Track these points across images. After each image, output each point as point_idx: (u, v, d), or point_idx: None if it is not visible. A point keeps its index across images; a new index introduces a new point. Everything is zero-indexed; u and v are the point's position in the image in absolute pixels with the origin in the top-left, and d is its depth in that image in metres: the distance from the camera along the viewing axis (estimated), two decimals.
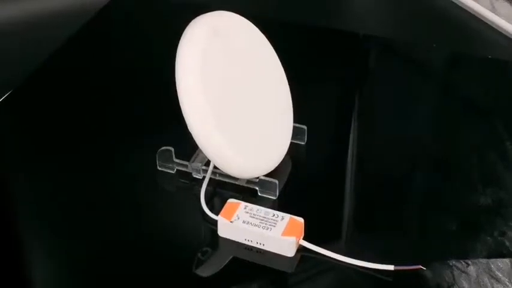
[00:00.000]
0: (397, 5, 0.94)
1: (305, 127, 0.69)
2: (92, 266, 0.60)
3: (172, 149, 0.66)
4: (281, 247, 0.60)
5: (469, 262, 0.60)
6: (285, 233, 0.59)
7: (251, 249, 0.61)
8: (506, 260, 0.60)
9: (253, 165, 0.64)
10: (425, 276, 0.58)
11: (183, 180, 0.67)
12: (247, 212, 0.61)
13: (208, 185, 0.65)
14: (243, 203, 0.62)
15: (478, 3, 0.89)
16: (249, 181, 0.65)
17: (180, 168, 0.67)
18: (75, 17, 0.85)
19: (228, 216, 0.61)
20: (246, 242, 0.61)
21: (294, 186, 0.67)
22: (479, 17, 0.89)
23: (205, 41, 0.61)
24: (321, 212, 0.65)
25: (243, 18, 0.65)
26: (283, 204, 0.65)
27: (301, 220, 0.60)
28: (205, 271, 0.60)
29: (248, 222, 0.60)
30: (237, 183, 0.65)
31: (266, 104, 0.66)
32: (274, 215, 0.61)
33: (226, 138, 0.61)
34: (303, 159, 0.70)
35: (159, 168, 0.67)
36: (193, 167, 0.66)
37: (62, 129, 0.73)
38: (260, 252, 0.60)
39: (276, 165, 0.66)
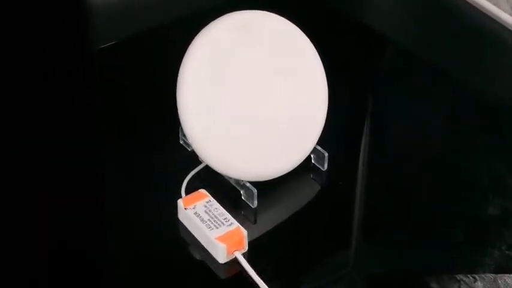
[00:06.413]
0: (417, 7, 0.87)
1: (326, 153, 0.67)
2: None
3: None
4: (214, 250, 0.60)
5: (477, 277, 0.58)
6: (219, 238, 0.59)
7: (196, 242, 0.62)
8: None
9: (236, 168, 0.63)
10: None
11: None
12: (205, 207, 0.62)
13: (213, 172, 0.66)
14: (208, 197, 0.62)
15: (498, 6, 0.81)
16: (237, 182, 0.65)
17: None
18: None
19: (187, 204, 0.62)
20: (193, 233, 0.61)
21: (293, 206, 0.66)
22: (498, 20, 0.82)
23: (223, 33, 0.62)
24: (296, 238, 0.64)
25: (281, 17, 0.64)
26: (263, 217, 0.64)
27: (244, 232, 0.60)
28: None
29: (199, 215, 0.61)
30: (227, 179, 0.66)
31: (284, 114, 0.64)
32: (225, 219, 0.61)
33: (213, 132, 0.62)
34: (318, 185, 0.68)
35: (180, 142, 0.70)
36: None
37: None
38: (202, 248, 0.61)
39: (271, 177, 0.65)
